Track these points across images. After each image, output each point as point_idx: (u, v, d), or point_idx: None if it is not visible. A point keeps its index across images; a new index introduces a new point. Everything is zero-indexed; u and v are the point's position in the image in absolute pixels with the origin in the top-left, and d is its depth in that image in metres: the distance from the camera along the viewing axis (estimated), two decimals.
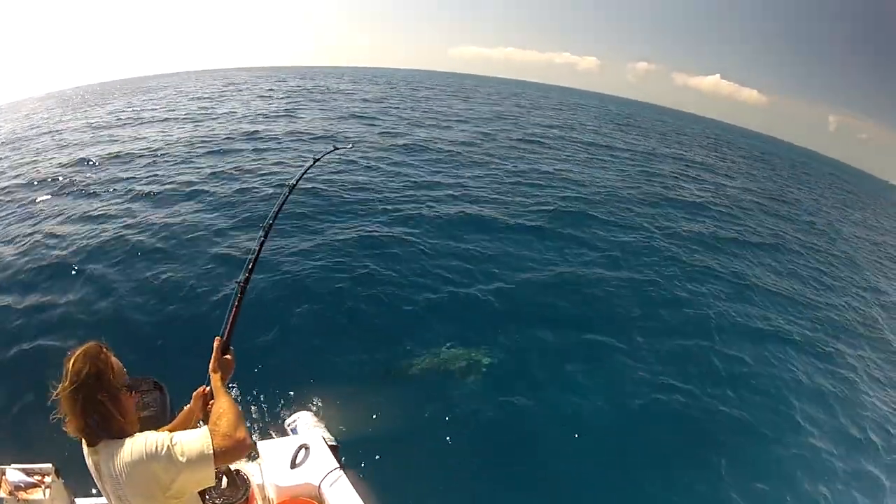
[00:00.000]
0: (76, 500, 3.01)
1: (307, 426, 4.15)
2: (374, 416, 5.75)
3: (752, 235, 16.33)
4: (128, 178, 14.52)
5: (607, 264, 11.32)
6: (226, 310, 2.50)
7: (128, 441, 1.78)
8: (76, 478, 2.83)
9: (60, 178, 14.67)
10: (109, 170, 15.59)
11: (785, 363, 8.77)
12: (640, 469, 5.83)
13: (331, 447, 3.67)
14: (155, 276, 8.73)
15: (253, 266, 2.61)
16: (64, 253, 9.55)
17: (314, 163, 3.51)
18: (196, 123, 24.28)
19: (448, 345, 7.40)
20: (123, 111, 30.12)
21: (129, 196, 12.99)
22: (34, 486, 2.77)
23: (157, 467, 1.75)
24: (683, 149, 38.23)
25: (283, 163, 16.55)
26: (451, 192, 14.95)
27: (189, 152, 17.86)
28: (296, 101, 34.35)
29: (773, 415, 7.36)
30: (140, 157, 17.10)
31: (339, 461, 3.51)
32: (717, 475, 5.99)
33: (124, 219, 11.31)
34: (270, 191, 13.11)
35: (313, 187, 13.61)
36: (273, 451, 3.54)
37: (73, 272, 8.85)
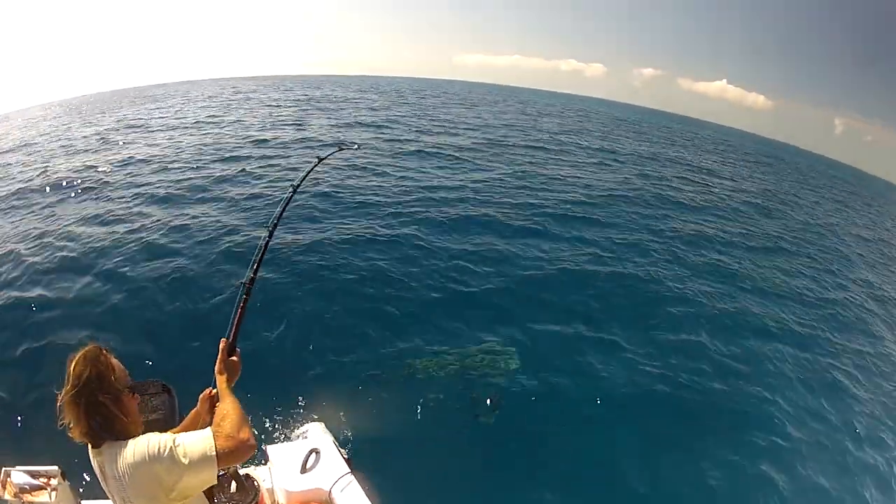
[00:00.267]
0: (82, 502, 2.96)
1: (315, 436, 4.12)
2: (386, 420, 5.69)
3: (758, 237, 16.44)
4: (137, 183, 14.68)
5: (615, 264, 11.41)
6: (232, 311, 2.47)
7: (131, 442, 1.77)
8: (82, 480, 2.80)
9: (70, 183, 14.86)
10: (117, 175, 15.76)
11: (784, 354, 8.94)
12: (648, 469, 5.76)
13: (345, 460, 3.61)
14: (163, 277, 8.76)
15: (258, 266, 2.58)
16: (72, 254, 9.66)
17: (318, 162, 3.49)
18: (204, 131, 24.52)
19: (461, 346, 7.37)
20: (131, 119, 30.42)
21: (137, 199, 13.12)
22: (40, 488, 2.73)
23: (159, 469, 1.73)
24: (687, 153, 38.35)
25: (291, 168, 16.68)
26: (457, 194, 15.08)
27: (198, 158, 18.02)
28: (303, 110, 34.58)
29: (777, 404, 7.49)
30: (149, 163, 17.29)
31: (350, 466, 3.45)
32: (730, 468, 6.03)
33: (133, 221, 11.45)
34: (278, 194, 13.19)
35: (321, 191, 13.77)
36: (283, 455, 3.49)
37: (81, 273, 8.91)
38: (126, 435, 1.81)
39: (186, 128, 25.85)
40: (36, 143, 23.17)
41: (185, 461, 1.73)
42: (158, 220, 11.44)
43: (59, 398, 1.77)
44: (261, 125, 26.68)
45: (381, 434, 5.44)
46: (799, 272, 13.90)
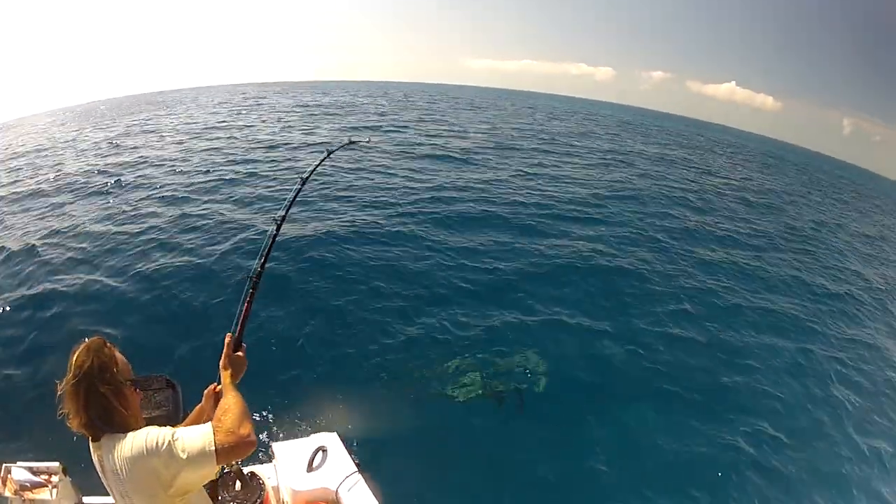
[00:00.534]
0: (84, 498, 2.90)
1: (325, 435, 3.99)
2: (396, 420, 5.60)
3: (762, 235, 16.46)
4: (148, 185, 14.99)
5: (624, 258, 11.57)
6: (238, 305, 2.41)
7: (129, 435, 1.74)
8: (84, 476, 2.73)
9: (82, 184, 15.18)
10: (129, 177, 16.05)
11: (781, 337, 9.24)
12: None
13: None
14: (172, 273, 8.89)
15: (265, 259, 2.52)
16: (82, 251, 9.90)
17: (328, 155, 3.43)
18: (215, 136, 24.79)
19: (474, 345, 7.32)
20: (142, 124, 30.88)
21: (148, 200, 13.43)
22: (41, 485, 2.67)
23: (157, 463, 1.69)
24: (696, 154, 38.24)
25: (301, 170, 16.63)
26: (464, 194, 15.24)
27: (206, 161, 18.34)
28: (312, 115, 34.88)
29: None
30: (160, 166, 17.57)
31: (357, 465, 3.37)
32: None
33: (143, 219, 11.74)
34: (288, 191, 13.15)
35: (332, 193, 13.94)
36: (289, 452, 3.41)
37: (90, 270, 9.08)
38: (125, 428, 1.76)
39: (197, 133, 26.18)
40: (48, 148, 23.65)
41: (184, 456, 1.68)
42: (169, 219, 11.69)
43: (59, 387, 1.74)
44: (270, 130, 26.97)
45: (393, 436, 5.37)
46: (805, 267, 13.99)
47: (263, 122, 31.11)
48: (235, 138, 23.79)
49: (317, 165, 3.28)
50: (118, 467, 1.71)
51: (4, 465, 2.69)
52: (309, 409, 5.58)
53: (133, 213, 12.24)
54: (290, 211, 2.89)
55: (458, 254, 10.58)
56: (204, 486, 2.55)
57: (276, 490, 3.25)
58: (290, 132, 26.02)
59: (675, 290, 10.42)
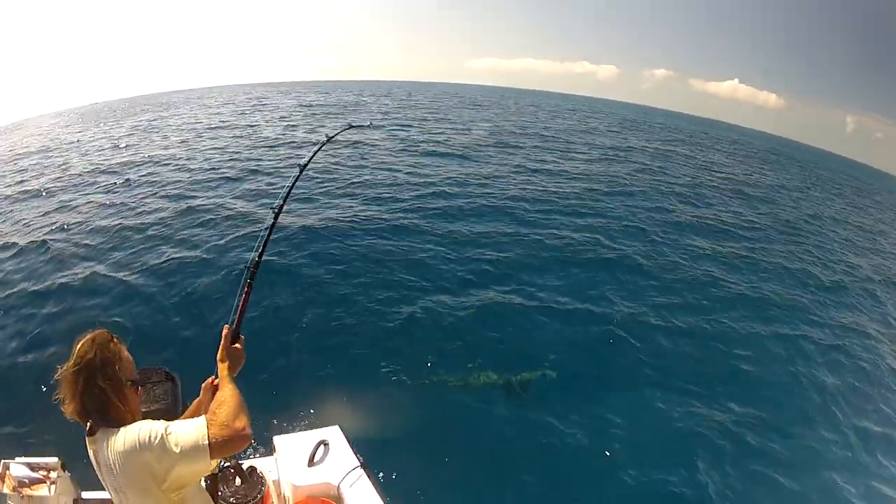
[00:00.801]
0: (83, 493, 2.87)
1: (328, 430, 3.97)
2: (399, 413, 5.57)
3: (760, 226, 16.65)
4: (153, 182, 15.19)
5: (624, 251, 11.65)
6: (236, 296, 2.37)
7: (123, 429, 1.71)
8: (82, 471, 2.71)
9: (87, 182, 15.48)
10: (133, 175, 16.26)
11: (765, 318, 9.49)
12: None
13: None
14: (175, 265, 9.03)
15: (262, 250, 2.47)
16: (85, 247, 10.03)
17: (328, 140, 3.35)
18: (218, 135, 24.97)
19: (478, 342, 7.27)
20: (146, 124, 31.10)
21: (153, 196, 13.59)
22: (39, 481, 2.64)
23: (150, 457, 1.65)
24: (697, 151, 38.20)
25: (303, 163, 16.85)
26: (470, 189, 15.37)
27: (209, 158, 18.58)
28: (314, 114, 34.98)
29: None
30: (165, 164, 17.79)
31: (359, 459, 3.32)
32: None
33: (148, 214, 11.97)
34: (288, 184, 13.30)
35: (334, 189, 14.01)
36: (290, 446, 3.36)
37: (94, 263, 9.18)
38: (120, 423, 1.74)
39: (201, 132, 26.38)
40: (53, 148, 23.91)
41: (177, 450, 1.64)
42: (173, 214, 11.92)
43: (57, 374, 1.73)
44: (273, 129, 27.07)
45: (397, 432, 5.31)
46: (797, 257, 14.14)
47: (266, 121, 31.31)
48: (239, 137, 23.99)
49: (316, 151, 3.21)
50: (111, 461, 1.68)
51: (3, 461, 2.65)
52: (310, 401, 5.53)
53: (138, 210, 12.42)
54: (290, 201, 2.82)
55: (460, 246, 10.63)
56: (204, 480, 2.52)
57: (277, 484, 3.22)
58: (293, 130, 26.22)
59: (675, 281, 10.52)
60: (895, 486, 6.08)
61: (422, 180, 15.94)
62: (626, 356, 7.61)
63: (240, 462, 2.96)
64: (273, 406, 5.42)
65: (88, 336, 1.78)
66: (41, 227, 11.49)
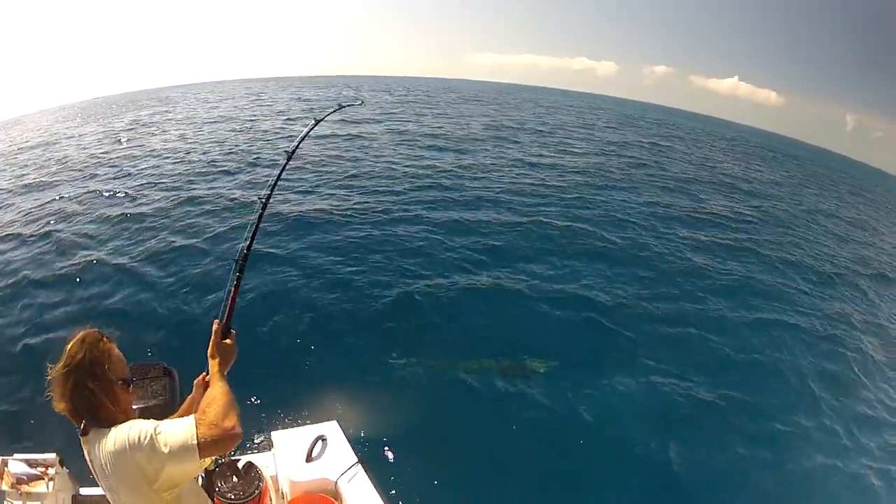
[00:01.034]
0: (81, 490, 2.88)
1: (326, 426, 3.96)
2: (397, 414, 5.53)
3: (755, 220, 16.95)
4: (151, 174, 15.33)
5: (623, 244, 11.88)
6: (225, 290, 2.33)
7: (113, 430, 1.70)
8: (80, 467, 2.72)
9: (87, 175, 15.63)
10: (132, 168, 16.37)
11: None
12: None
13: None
14: (172, 253, 9.21)
15: (251, 242, 2.39)
16: (85, 236, 10.21)
17: (316, 124, 3.15)
18: (217, 128, 25.06)
19: (476, 334, 7.31)
20: (146, 119, 31.01)
21: (151, 188, 13.74)
22: (37, 477, 2.65)
23: (140, 458, 1.64)
24: (694, 148, 38.23)
25: (299, 154, 17.03)
26: (467, 182, 15.58)
27: (208, 151, 18.83)
28: (312, 109, 34.87)
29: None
30: (164, 157, 17.93)
31: (357, 455, 3.32)
32: None
33: (146, 205, 12.18)
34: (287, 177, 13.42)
35: (331, 180, 14.11)
36: (288, 442, 3.36)
37: (95, 254, 9.28)
38: (111, 423, 1.73)
39: (199, 126, 26.51)
40: (53, 143, 23.87)
41: (166, 450, 1.63)
42: (173, 205, 12.13)
43: (49, 374, 1.72)
44: (271, 122, 27.17)
45: (394, 427, 5.31)
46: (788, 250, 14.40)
47: (265, 115, 31.45)
48: (238, 131, 24.18)
49: (304, 136, 3.00)
50: (103, 462, 1.68)
51: (1, 457, 2.67)
52: (308, 396, 5.52)
53: (138, 201, 12.63)
54: (285, 191, 2.72)
55: (456, 235, 10.76)
56: (201, 476, 2.52)
57: (275, 480, 3.22)
58: (292, 124, 26.46)
59: (665, 269, 10.89)
60: (866, 460, 6.41)
61: (419, 172, 16.17)
62: (621, 343, 7.76)
63: (237, 458, 2.96)
64: (270, 401, 5.41)
65: (79, 335, 1.77)
66: (41, 219, 11.60)
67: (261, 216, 2.47)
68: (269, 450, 3.43)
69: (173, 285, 8.15)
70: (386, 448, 4.84)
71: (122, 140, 22.55)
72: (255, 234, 2.41)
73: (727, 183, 23.13)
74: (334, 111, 3.47)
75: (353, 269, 9.01)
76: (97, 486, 2.83)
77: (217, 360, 2.01)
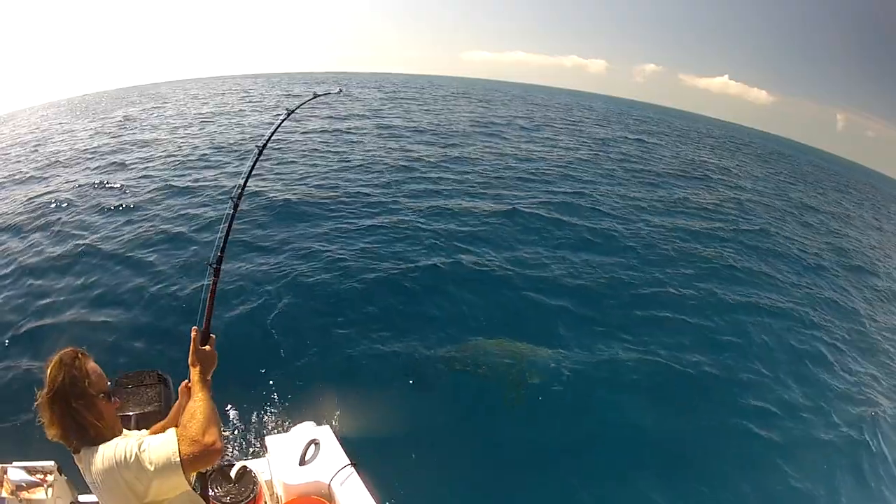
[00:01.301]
0: (79, 497, 2.93)
1: (316, 428, 3.97)
2: (389, 413, 5.55)
3: (745, 222, 16.94)
4: (142, 171, 15.25)
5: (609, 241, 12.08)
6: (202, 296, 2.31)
7: (101, 448, 1.75)
8: (78, 474, 2.75)
9: (79, 169, 15.73)
10: (121, 164, 16.38)
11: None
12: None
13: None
14: (165, 247, 9.29)
15: (224, 244, 2.31)
16: (78, 230, 10.30)
17: (289, 114, 3.04)
18: (206, 125, 24.93)
19: (470, 341, 7.20)
20: (136, 115, 30.76)
21: (142, 185, 13.71)
22: (36, 484, 2.70)
23: (128, 475, 1.70)
24: (682, 145, 38.37)
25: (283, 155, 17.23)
26: (453, 179, 15.63)
27: (201, 144, 19.04)
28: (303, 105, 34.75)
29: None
30: (154, 154, 17.89)
31: (350, 458, 3.39)
32: None
33: (138, 199, 12.26)
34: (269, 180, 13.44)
35: (314, 180, 13.99)
36: (281, 446, 3.42)
37: (87, 248, 9.35)
38: (101, 440, 1.78)
39: (189, 121, 26.51)
40: (43, 138, 23.79)
41: (151, 468, 1.69)
42: (163, 196, 12.37)
43: (37, 399, 1.77)
44: (259, 119, 27.04)
45: (386, 429, 5.31)
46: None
47: (255, 110, 31.59)
48: (227, 125, 24.35)
49: (275, 128, 2.92)
50: (94, 480, 1.74)
51: (0, 465, 2.71)
52: (300, 401, 5.52)
53: (129, 193, 12.79)
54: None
55: (448, 238, 10.69)
56: (195, 481, 2.57)
57: (270, 484, 3.28)
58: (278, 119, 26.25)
59: (647, 255, 11.40)
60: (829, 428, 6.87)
61: (406, 166, 16.40)
62: (605, 320, 8.11)
63: (232, 462, 3.02)
64: (263, 406, 5.42)
65: (55, 358, 1.80)
66: (32, 212, 11.71)
67: (232, 218, 2.40)
68: (264, 454, 3.49)
69: (160, 279, 8.25)
70: (377, 449, 4.83)
71: (113, 134, 22.71)
72: (227, 237, 2.35)
73: (710, 177, 23.65)
74: (309, 100, 3.34)
75: (343, 264, 9.04)
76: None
77: (198, 367, 2.01)
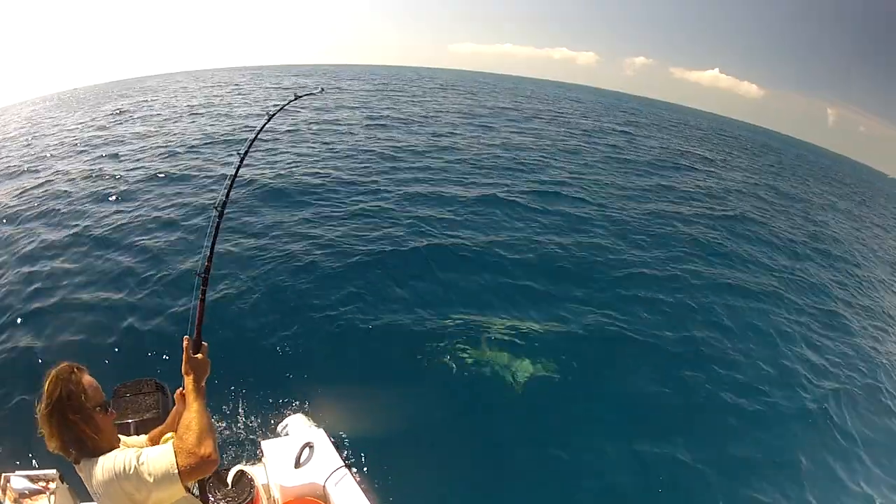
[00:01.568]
0: None
1: (300, 429, 4.07)
2: (381, 412, 5.53)
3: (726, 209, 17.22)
4: (134, 164, 15.27)
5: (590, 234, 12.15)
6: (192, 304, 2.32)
7: (100, 460, 1.81)
8: (80, 482, 2.80)
9: (70, 163, 15.76)
10: (114, 156, 16.44)
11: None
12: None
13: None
14: (159, 242, 9.38)
15: (211, 253, 2.33)
16: (71, 226, 10.32)
17: (269, 119, 3.04)
18: (197, 118, 24.81)
19: (461, 338, 7.16)
20: (128, 108, 30.53)
21: (134, 177, 13.77)
22: (39, 492, 2.75)
23: (128, 486, 1.76)
24: (669, 136, 38.79)
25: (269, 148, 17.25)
26: (439, 170, 15.86)
27: (193, 136, 19.06)
28: (286, 98, 34.54)
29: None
30: (147, 146, 17.88)
31: (343, 459, 3.48)
32: None
33: (131, 190, 12.48)
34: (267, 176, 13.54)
35: (299, 179, 13.92)
36: (277, 450, 3.50)
37: (80, 243, 9.45)
38: (99, 452, 1.84)
39: (178, 114, 26.40)
40: (34, 133, 23.62)
41: (151, 479, 1.76)
42: (154, 187, 12.56)
43: (37, 412, 1.82)
44: (246, 110, 27.03)
45: (378, 429, 5.31)
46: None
47: (243, 102, 31.61)
48: (216, 117, 24.47)
49: (255, 136, 2.86)
50: (94, 491, 1.80)
51: (3, 474, 2.76)
52: (295, 405, 5.50)
53: (121, 185, 12.91)
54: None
55: (438, 231, 10.71)
56: (194, 486, 2.65)
57: (266, 488, 3.36)
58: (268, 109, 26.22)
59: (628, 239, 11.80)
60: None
61: (395, 161, 16.46)
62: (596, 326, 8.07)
63: (229, 468, 3.10)
64: (258, 412, 5.41)
65: (52, 373, 1.84)
66: (24, 207, 11.74)
67: (218, 227, 2.41)
68: (260, 459, 3.57)
69: (152, 264, 8.46)
70: (371, 450, 4.83)
71: (104, 127, 22.80)
72: (213, 246, 2.37)
73: (695, 167, 24.03)
74: (290, 101, 3.31)
75: (329, 251, 9.14)
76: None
77: (191, 376, 2.03)
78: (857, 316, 10.89)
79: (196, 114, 26.05)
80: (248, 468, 3.22)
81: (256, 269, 8.48)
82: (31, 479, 2.76)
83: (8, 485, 2.71)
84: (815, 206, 23.18)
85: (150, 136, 19.58)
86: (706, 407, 6.72)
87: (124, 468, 1.76)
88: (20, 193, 12.75)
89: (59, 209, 11.33)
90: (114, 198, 12.06)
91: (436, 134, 22.00)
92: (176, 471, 1.75)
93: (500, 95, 54.06)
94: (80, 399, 1.82)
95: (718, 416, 6.59)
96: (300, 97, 3.49)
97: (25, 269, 8.58)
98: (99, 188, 12.87)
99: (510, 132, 25.13)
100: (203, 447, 1.77)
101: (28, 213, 11.21)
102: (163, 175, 13.82)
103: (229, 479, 3.01)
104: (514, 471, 5.37)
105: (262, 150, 16.12)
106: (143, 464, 1.77)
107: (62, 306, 7.44)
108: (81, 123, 24.87)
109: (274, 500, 3.31)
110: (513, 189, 14.21)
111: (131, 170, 14.47)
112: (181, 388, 2.23)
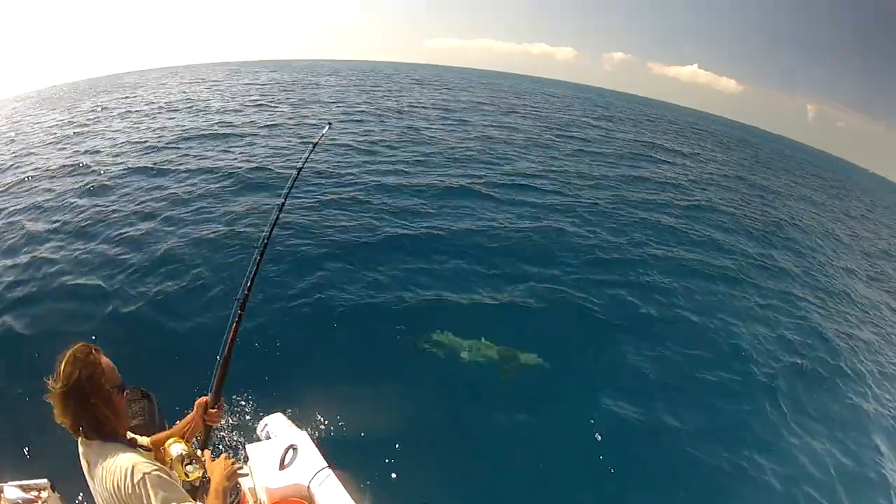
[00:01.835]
0: None
1: (281, 429, 4.11)
2: (363, 412, 5.47)
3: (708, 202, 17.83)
4: (118, 162, 15.08)
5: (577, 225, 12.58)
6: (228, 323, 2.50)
7: (120, 457, 1.83)
8: (70, 491, 2.89)
9: (52, 161, 15.49)
10: (98, 155, 16.19)
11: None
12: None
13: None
14: (152, 238, 9.45)
15: (249, 290, 2.55)
16: (59, 225, 10.20)
17: (298, 172, 3.37)
18: (175, 115, 24.57)
19: (446, 332, 7.11)
20: (109, 105, 29.96)
21: (121, 176, 13.62)
22: (31, 501, 2.82)
23: (131, 501, 1.79)
24: (645, 130, 39.29)
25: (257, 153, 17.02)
26: (416, 164, 16.14)
27: (175, 132, 19.05)
28: (264, 94, 34.35)
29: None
30: (130, 143, 17.69)
31: (326, 459, 3.55)
32: None
33: (120, 192, 12.26)
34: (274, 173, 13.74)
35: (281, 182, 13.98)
36: (261, 453, 3.56)
37: (67, 243, 9.33)
38: (115, 435, 1.88)
39: (157, 111, 26.10)
40: (16, 131, 23.00)
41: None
42: (139, 187, 12.50)
43: (48, 395, 1.78)
44: (225, 109, 26.72)
45: (361, 428, 5.30)
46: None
47: (223, 98, 31.51)
48: (197, 112, 24.66)
49: (291, 185, 3.21)
50: (101, 487, 1.83)
51: None
52: (274, 404, 5.20)
53: (104, 184, 12.76)
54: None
55: (424, 226, 10.84)
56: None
57: (253, 491, 3.44)
58: (248, 106, 26.97)
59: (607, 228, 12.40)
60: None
61: (378, 160, 16.58)
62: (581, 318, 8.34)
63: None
64: (243, 416, 5.37)
65: (69, 353, 1.80)
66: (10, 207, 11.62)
67: (258, 262, 2.65)
68: (245, 462, 3.63)
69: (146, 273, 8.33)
70: (354, 449, 4.87)
71: (83, 126, 22.39)
72: (253, 279, 2.61)
73: (669, 161, 24.59)
74: (311, 151, 3.70)
75: (307, 247, 9.19)
76: None
77: (213, 481, 2.14)
78: (817, 298, 11.46)
79: (174, 110, 25.93)
80: None
81: (223, 258, 8.56)
82: (24, 488, 2.83)
83: (2, 495, 2.78)
84: (785, 196, 24.00)
85: (130, 131, 19.68)
86: (675, 381, 7.08)
87: (135, 488, 1.77)
88: (4, 190, 12.79)
89: (42, 204, 11.40)
90: (94, 190, 12.17)
91: (412, 128, 22.44)
92: None
93: (477, 90, 54.40)
94: (101, 381, 1.81)
95: (688, 387, 7.03)
96: (317, 143, 3.80)
97: (8, 261, 8.58)
98: (80, 182, 12.93)
99: (485, 126, 25.63)
100: None
101: (12, 209, 11.23)
102: (142, 169, 13.96)
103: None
104: (496, 463, 5.42)
105: (242, 143, 16.78)
106: (157, 496, 1.77)
107: (43, 296, 7.49)
108: (62, 120, 24.59)
109: (260, 502, 3.39)
110: (485, 180, 14.75)
111: (111, 165, 14.50)
112: (204, 397, 2.41)
